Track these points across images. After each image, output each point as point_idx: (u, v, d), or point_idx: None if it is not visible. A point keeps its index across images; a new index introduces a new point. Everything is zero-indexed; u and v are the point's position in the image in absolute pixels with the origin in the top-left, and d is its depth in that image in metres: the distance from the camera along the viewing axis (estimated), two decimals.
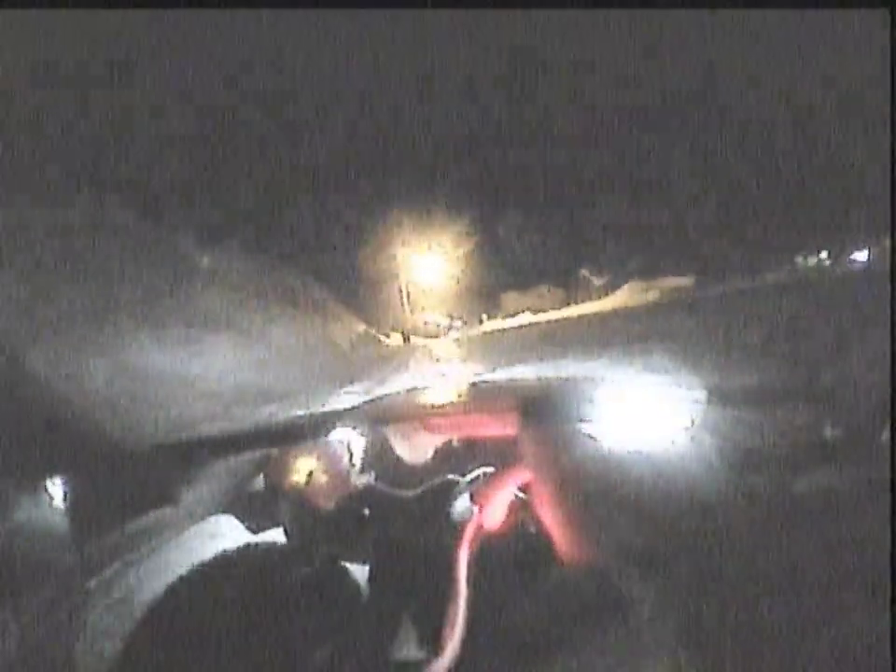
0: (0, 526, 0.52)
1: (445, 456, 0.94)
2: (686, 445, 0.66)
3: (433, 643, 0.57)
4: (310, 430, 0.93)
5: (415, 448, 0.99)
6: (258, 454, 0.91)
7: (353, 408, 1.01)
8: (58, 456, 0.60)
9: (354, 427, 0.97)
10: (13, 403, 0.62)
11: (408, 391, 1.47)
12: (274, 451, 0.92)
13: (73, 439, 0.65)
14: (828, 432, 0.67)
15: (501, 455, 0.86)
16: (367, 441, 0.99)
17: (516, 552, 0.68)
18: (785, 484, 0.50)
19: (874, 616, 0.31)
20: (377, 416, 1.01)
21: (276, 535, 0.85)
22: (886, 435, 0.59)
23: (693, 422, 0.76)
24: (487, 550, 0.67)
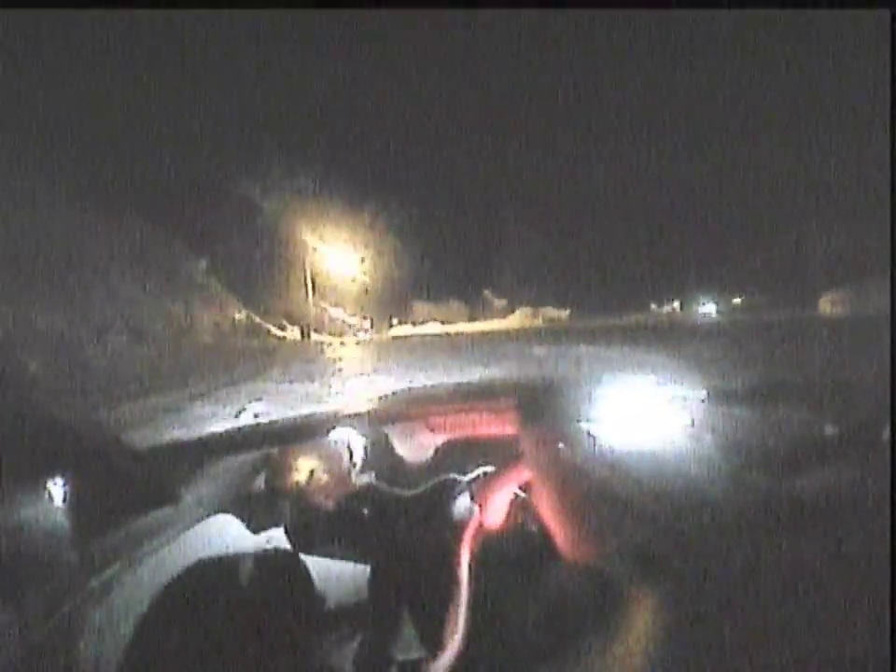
0: (1, 526, 0.52)
1: (445, 456, 0.94)
2: (686, 445, 0.66)
3: (433, 643, 0.57)
4: (310, 430, 0.93)
5: (415, 448, 0.99)
6: (258, 454, 0.91)
7: (353, 409, 1.01)
8: (58, 456, 0.60)
9: (354, 427, 0.97)
10: (13, 403, 0.62)
11: (408, 391, 1.47)
12: (274, 451, 0.92)
13: (73, 439, 0.65)
14: (828, 432, 0.67)
15: (501, 455, 0.86)
16: (367, 441, 0.99)
17: (516, 551, 0.68)
18: (785, 484, 0.50)
19: (874, 616, 0.31)
20: (377, 416, 1.01)
21: (276, 535, 0.85)
22: (886, 435, 0.59)
23: (692, 422, 0.76)
24: (487, 549, 0.67)
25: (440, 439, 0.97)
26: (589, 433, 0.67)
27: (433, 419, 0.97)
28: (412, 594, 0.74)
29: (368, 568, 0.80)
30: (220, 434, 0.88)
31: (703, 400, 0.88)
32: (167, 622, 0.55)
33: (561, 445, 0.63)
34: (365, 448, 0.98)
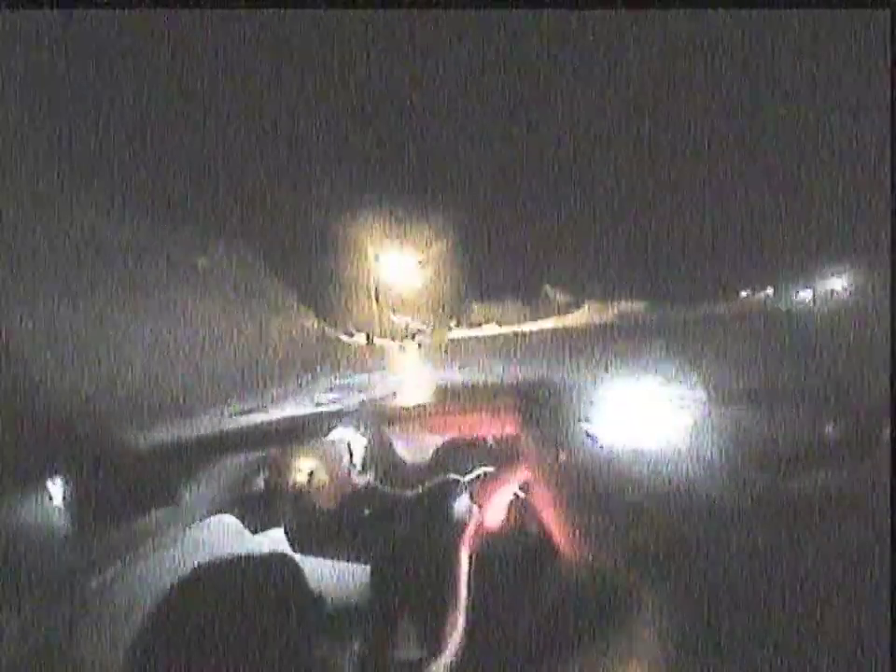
0: (1, 526, 0.52)
1: (445, 456, 0.94)
2: (686, 445, 0.66)
3: (433, 643, 0.57)
4: (310, 430, 0.93)
5: (415, 448, 0.99)
6: (258, 454, 0.91)
7: (353, 407, 1.01)
8: (58, 456, 0.60)
9: (354, 427, 0.97)
10: (13, 404, 0.62)
11: (408, 391, 1.47)
12: (274, 451, 0.92)
13: (73, 439, 0.65)
14: (828, 432, 0.67)
15: (501, 455, 0.86)
16: (367, 441, 0.99)
17: (516, 551, 0.67)
18: (785, 484, 0.50)
19: (874, 616, 0.31)
20: (377, 416, 1.01)
21: (276, 535, 0.85)
22: (886, 435, 0.59)
23: (693, 422, 0.76)
24: (487, 550, 0.67)
25: (440, 439, 0.97)
26: (589, 433, 0.67)
27: (433, 419, 0.97)
28: (412, 594, 0.74)
29: (368, 569, 0.80)
30: (220, 434, 0.88)
31: (703, 401, 0.88)
32: (167, 620, 0.55)
33: (560, 450, 0.63)
34: (365, 448, 0.98)
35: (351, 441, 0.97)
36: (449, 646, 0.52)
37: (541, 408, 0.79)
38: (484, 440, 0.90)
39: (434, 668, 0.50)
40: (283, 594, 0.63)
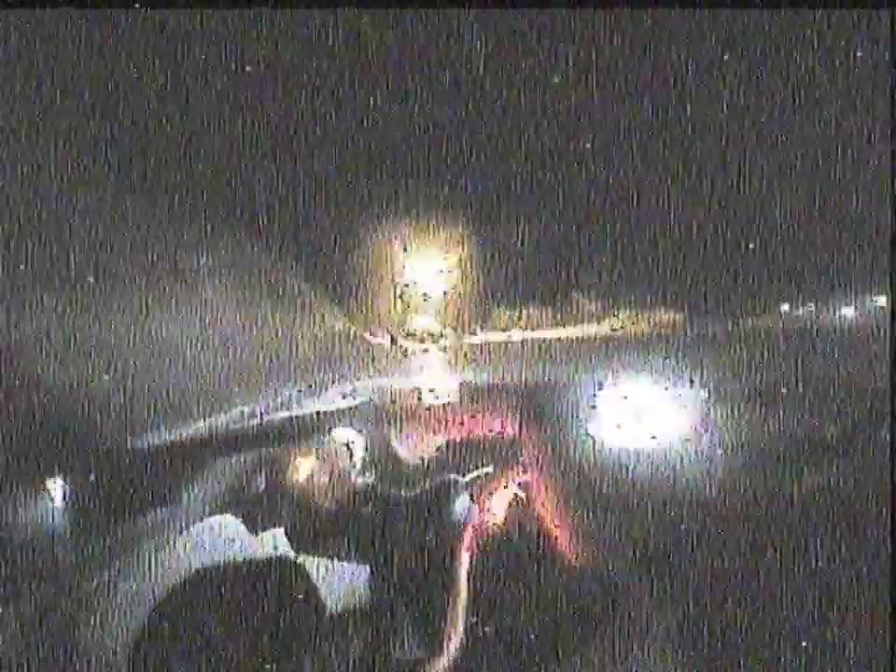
0: (1, 526, 0.52)
1: (445, 456, 0.94)
2: (686, 445, 0.66)
3: (433, 643, 0.57)
4: (310, 430, 0.93)
5: (415, 448, 0.99)
6: (258, 454, 0.91)
7: (353, 408, 1.01)
8: (58, 456, 0.60)
9: (354, 427, 0.97)
10: (13, 404, 0.62)
11: (408, 391, 1.47)
12: (274, 451, 0.92)
13: (73, 439, 0.65)
14: (828, 432, 0.67)
15: (501, 455, 0.86)
16: (367, 441, 0.99)
17: (516, 551, 0.68)
18: (785, 484, 0.50)
19: (874, 616, 0.31)
20: (377, 416, 1.01)
21: (276, 535, 0.85)
22: (886, 435, 0.59)
23: (693, 422, 0.76)
24: (487, 550, 0.67)
25: (440, 439, 0.97)
26: (589, 433, 0.67)
27: (433, 419, 0.97)
28: (412, 594, 0.74)
29: (368, 568, 0.80)
30: (220, 434, 0.88)
31: (703, 401, 0.88)
32: (167, 621, 0.55)
33: (561, 450, 0.63)
34: (365, 448, 0.98)
35: (351, 440, 0.97)
36: (449, 646, 0.52)
37: (541, 408, 0.79)
38: (484, 440, 0.90)
39: (434, 668, 0.50)
40: (283, 594, 0.63)
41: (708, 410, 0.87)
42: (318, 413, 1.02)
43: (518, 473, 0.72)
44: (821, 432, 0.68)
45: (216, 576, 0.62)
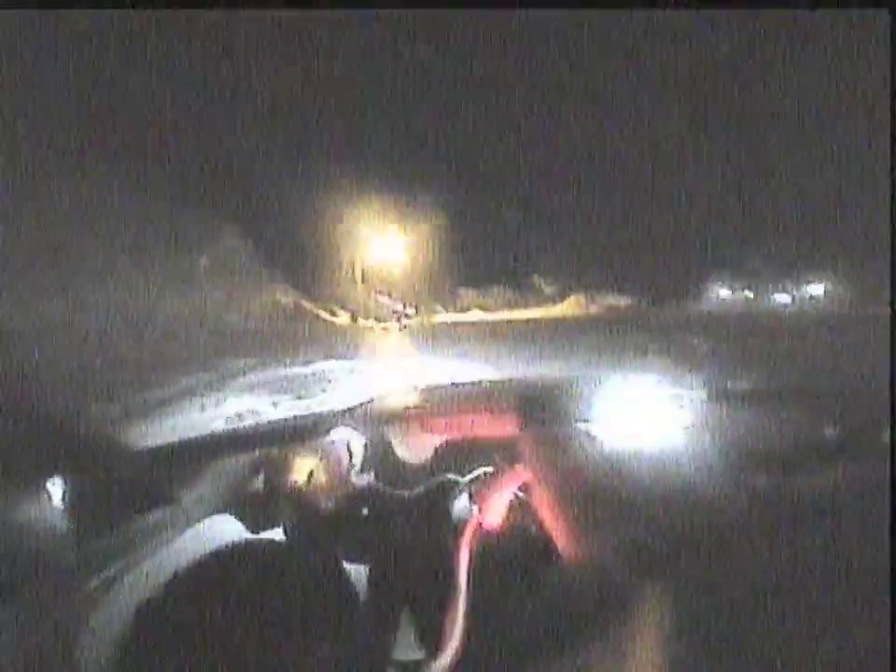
0: (1, 526, 0.52)
1: (445, 456, 0.94)
2: (686, 445, 0.66)
3: (433, 643, 0.57)
4: (310, 430, 0.93)
5: (415, 448, 0.99)
6: (258, 454, 0.91)
7: (353, 408, 1.01)
8: (58, 456, 0.60)
9: (354, 427, 0.97)
10: (12, 403, 0.62)
11: (408, 391, 1.47)
12: (274, 451, 0.92)
13: (73, 439, 0.65)
14: (828, 432, 0.67)
15: (501, 455, 0.86)
16: (367, 441, 0.99)
17: (516, 552, 0.68)
18: (785, 484, 0.50)
19: (874, 616, 0.31)
20: (377, 416, 1.02)
21: (276, 535, 0.85)
22: (886, 435, 0.59)
23: (693, 422, 0.76)
24: (487, 550, 0.67)
25: (440, 439, 0.97)
26: (589, 433, 0.67)
27: (433, 419, 0.97)
28: (411, 594, 0.74)
29: (367, 568, 0.80)
30: (220, 434, 0.88)
31: (703, 400, 0.88)
32: (167, 622, 0.55)
33: (561, 450, 0.63)
34: (365, 448, 0.98)
35: (351, 440, 0.97)
36: (449, 646, 0.52)
37: (541, 408, 0.79)
38: (484, 440, 0.90)
39: (434, 668, 0.50)
40: (283, 594, 0.63)
41: (708, 409, 0.87)
42: (318, 413, 1.02)
43: (518, 473, 0.72)
44: (821, 432, 0.68)
45: (215, 574, 0.62)
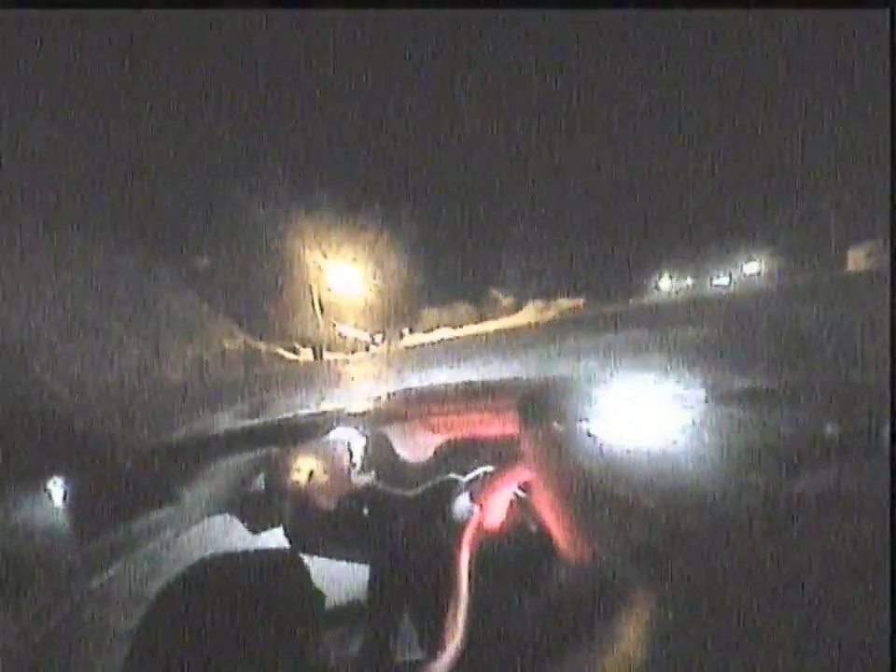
0: (1, 526, 0.52)
1: (445, 456, 0.94)
2: (686, 445, 0.66)
3: (433, 643, 0.57)
4: (310, 430, 0.93)
5: (415, 448, 0.99)
6: (258, 454, 0.91)
7: (353, 409, 1.01)
8: (58, 456, 0.60)
9: (354, 427, 0.97)
10: (13, 403, 0.62)
11: (408, 391, 1.47)
12: (274, 451, 0.92)
13: (73, 439, 0.65)
14: (828, 432, 0.67)
15: (501, 455, 0.86)
16: (367, 441, 0.99)
17: (516, 551, 0.68)
18: (785, 484, 0.50)
19: (874, 616, 0.31)
20: (377, 416, 1.01)
21: (276, 535, 0.85)
22: (886, 435, 0.59)
23: (693, 422, 0.76)
24: (487, 550, 0.67)
25: (440, 439, 0.97)
26: (589, 433, 0.67)
27: (433, 419, 0.97)
28: (412, 594, 0.74)
29: (368, 568, 0.80)
30: (220, 434, 0.88)
31: (703, 401, 0.88)
32: (167, 622, 0.55)
33: (560, 450, 0.63)
34: (365, 448, 0.98)
35: (351, 441, 0.97)
36: (449, 646, 0.52)
37: (541, 408, 0.79)
38: (484, 440, 0.90)
39: (434, 668, 0.50)
40: (283, 594, 0.63)
41: (708, 409, 0.87)
42: (318, 413, 1.02)
43: (518, 473, 0.71)
44: (822, 431, 0.68)
45: (215, 575, 0.62)
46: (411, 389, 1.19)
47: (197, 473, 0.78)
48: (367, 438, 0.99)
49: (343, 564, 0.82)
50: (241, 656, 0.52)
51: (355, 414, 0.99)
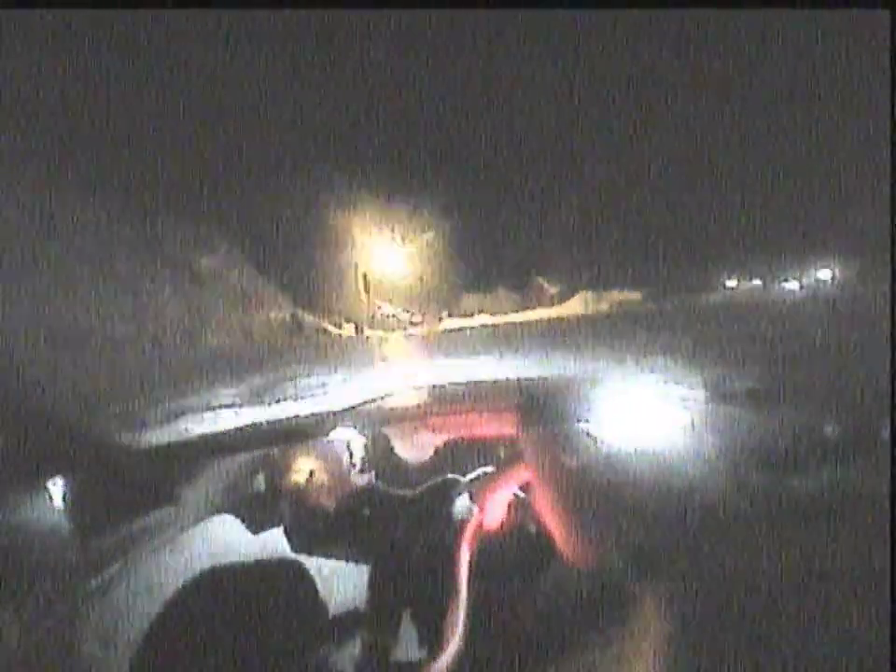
0: (1, 526, 0.52)
1: (445, 456, 0.94)
2: (686, 445, 0.66)
3: (433, 643, 0.57)
4: (310, 430, 0.93)
5: (415, 448, 0.99)
6: (258, 454, 0.91)
7: (352, 408, 1.01)
8: (58, 456, 0.60)
9: (354, 427, 0.97)
10: (13, 403, 0.62)
11: (408, 391, 1.47)
12: (274, 451, 0.92)
13: (73, 439, 0.65)
14: (828, 432, 0.67)
15: (501, 455, 0.86)
16: (367, 441, 0.99)
17: (516, 551, 0.68)
18: (785, 484, 0.50)
19: (874, 616, 0.31)
20: (377, 416, 1.01)
21: (276, 535, 0.85)
22: (886, 435, 0.59)
23: (693, 422, 0.76)
24: (487, 550, 0.67)
25: (440, 439, 0.97)
26: (589, 433, 0.67)
27: (433, 419, 0.97)
28: (412, 594, 0.74)
29: (368, 568, 0.80)
30: (220, 434, 0.88)
31: (703, 401, 0.88)
32: (167, 621, 0.55)
33: (561, 450, 0.63)
34: (365, 448, 0.98)
35: (351, 440, 0.97)
36: (449, 646, 0.52)
37: (541, 408, 0.79)
38: (484, 440, 0.90)
39: (434, 668, 0.50)
40: (284, 594, 0.64)
41: (708, 409, 0.87)
42: (318, 413, 1.02)
43: (518, 473, 0.71)
44: (822, 430, 0.68)
45: (216, 575, 0.62)
46: (411, 389, 1.19)
47: (197, 473, 0.78)
48: (367, 438, 0.99)
49: (343, 564, 0.82)
50: (242, 657, 0.52)
51: (354, 414, 0.99)
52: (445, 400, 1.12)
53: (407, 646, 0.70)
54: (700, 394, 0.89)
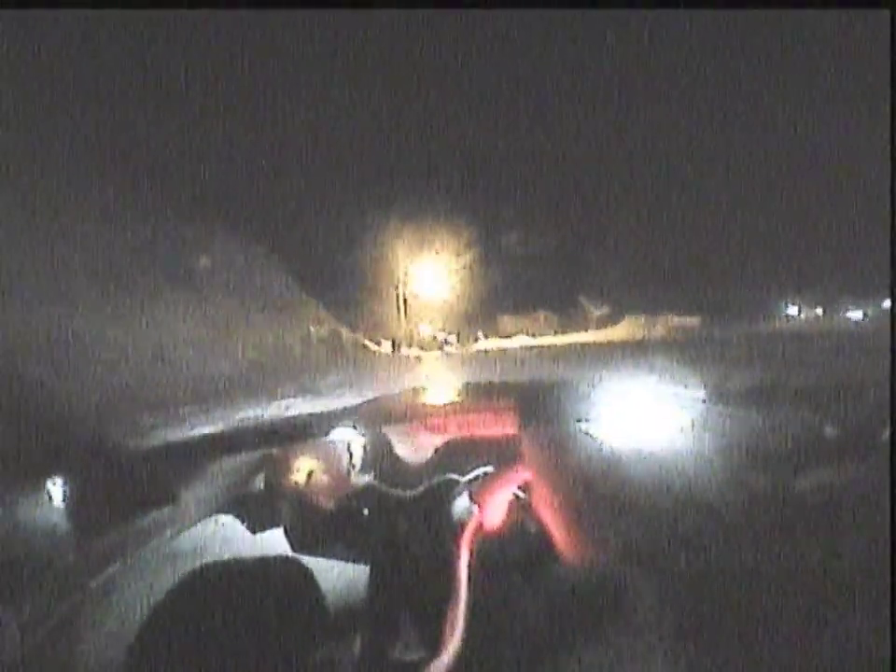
0: (1, 526, 0.52)
1: (445, 456, 0.94)
2: (686, 445, 0.66)
3: (433, 643, 0.57)
4: (310, 430, 0.93)
5: (415, 448, 0.99)
6: (258, 454, 0.91)
7: (353, 408, 1.01)
8: (58, 456, 0.60)
9: (354, 427, 0.97)
10: (13, 403, 0.62)
11: (408, 391, 1.47)
12: (274, 451, 0.92)
13: (73, 439, 0.65)
14: (828, 432, 0.67)
15: (501, 455, 0.86)
16: (367, 441, 0.99)
17: (516, 552, 0.68)
18: (785, 484, 0.50)
19: (874, 616, 0.31)
20: (377, 416, 1.01)
21: (276, 535, 0.85)
22: (886, 435, 0.59)
23: (692, 422, 0.76)
24: (487, 550, 0.67)
25: (440, 439, 0.97)
26: (589, 433, 0.67)
27: (433, 419, 0.97)
28: (412, 594, 0.74)
29: (368, 568, 0.80)
30: (220, 434, 0.88)
31: (703, 401, 0.88)
32: (167, 622, 0.55)
33: (560, 450, 0.63)
34: (365, 448, 0.98)
35: (351, 441, 0.97)
36: (449, 646, 0.52)
37: (541, 408, 0.79)
38: (484, 440, 0.90)
39: (434, 668, 0.50)
40: (283, 594, 0.63)
41: (708, 409, 0.87)
42: (318, 413, 1.02)
43: (518, 473, 0.71)
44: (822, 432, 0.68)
45: (216, 575, 0.62)
46: (411, 389, 1.19)
47: (197, 473, 0.78)
48: (367, 438, 0.99)
49: (343, 564, 0.82)
50: (242, 657, 0.52)
51: (354, 414, 0.99)
52: (445, 400, 1.12)
53: (407, 646, 0.70)
54: (700, 394, 0.89)
